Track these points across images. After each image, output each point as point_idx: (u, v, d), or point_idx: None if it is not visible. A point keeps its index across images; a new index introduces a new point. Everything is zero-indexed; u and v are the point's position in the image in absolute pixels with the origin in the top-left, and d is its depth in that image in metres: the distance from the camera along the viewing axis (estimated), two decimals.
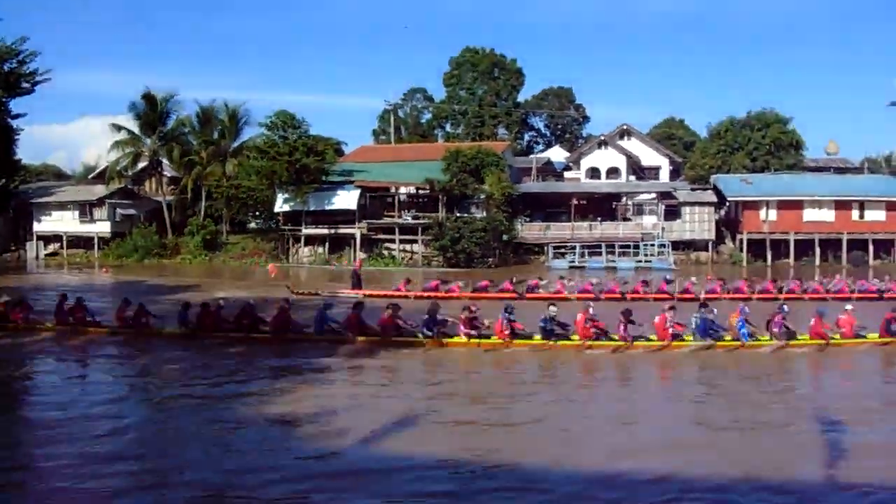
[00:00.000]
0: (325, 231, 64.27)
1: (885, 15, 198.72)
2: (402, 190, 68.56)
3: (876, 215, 65.22)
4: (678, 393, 20.65)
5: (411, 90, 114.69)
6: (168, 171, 74.93)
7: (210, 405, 18.45)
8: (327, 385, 20.75)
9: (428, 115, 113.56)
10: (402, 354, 24.32)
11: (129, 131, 71.07)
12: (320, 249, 64.72)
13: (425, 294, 37.59)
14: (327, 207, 63.85)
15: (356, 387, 20.74)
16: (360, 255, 57.53)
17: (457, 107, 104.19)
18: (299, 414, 17.32)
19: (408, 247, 64.16)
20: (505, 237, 62.77)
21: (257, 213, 68.92)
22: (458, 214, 62.55)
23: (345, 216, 63.69)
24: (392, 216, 65.47)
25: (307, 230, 64.76)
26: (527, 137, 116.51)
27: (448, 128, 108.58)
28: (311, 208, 63.97)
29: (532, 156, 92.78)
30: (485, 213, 62.56)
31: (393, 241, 64.03)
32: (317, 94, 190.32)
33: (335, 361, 23.39)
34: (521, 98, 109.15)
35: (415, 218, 64.35)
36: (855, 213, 65.44)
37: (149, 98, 69.69)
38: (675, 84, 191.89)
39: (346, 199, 63.70)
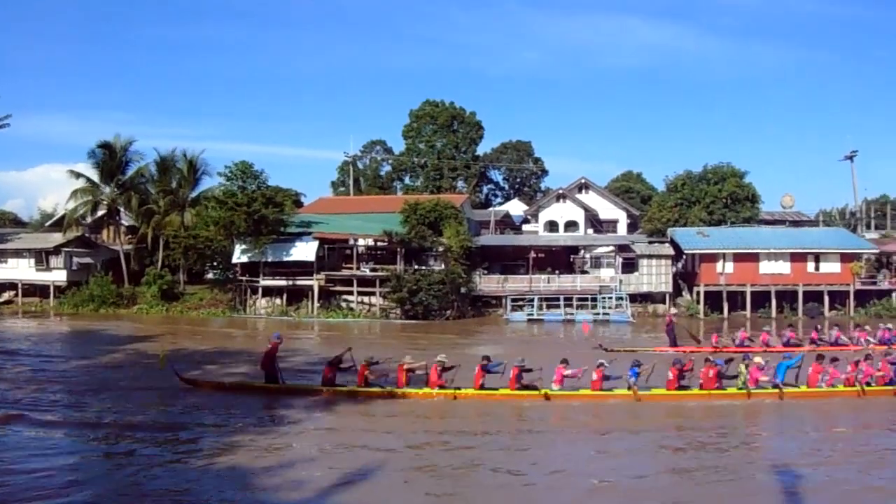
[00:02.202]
0: (283, 282, 64.20)
1: (839, 72, 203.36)
2: (361, 242, 68.67)
3: (831, 267, 66.47)
4: None
5: (371, 142, 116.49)
6: (126, 220, 74.92)
7: None
8: None
9: (387, 168, 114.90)
10: None
11: (88, 179, 71.06)
12: (278, 301, 64.58)
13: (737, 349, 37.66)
14: (285, 258, 63.77)
15: None
16: (673, 310, 55.44)
17: (416, 159, 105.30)
18: None
19: (366, 299, 64.04)
20: (463, 290, 63.21)
21: (215, 264, 68.62)
22: (416, 267, 63.00)
23: (303, 267, 63.60)
24: (350, 268, 65.52)
25: (265, 281, 64.56)
26: (486, 190, 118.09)
27: (407, 180, 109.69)
28: (269, 259, 63.90)
29: (491, 209, 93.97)
30: (443, 266, 62.85)
31: (351, 293, 63.85)
32: (276, 145, 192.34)
33: None
34: (480, 151, 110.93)
35: (373, 270, 64.43)
36: (810, 265, 66.59)
37: (107, 146, 69.62)
38: (634, 138, 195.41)
39: (305, 251, 63.70)
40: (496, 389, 26.56)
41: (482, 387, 26.72)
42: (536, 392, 26.31)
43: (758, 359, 28.34)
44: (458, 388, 26.64)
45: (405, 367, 27.38)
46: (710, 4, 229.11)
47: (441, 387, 26.54)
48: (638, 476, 18.17)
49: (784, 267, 66.33)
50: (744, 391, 26.87)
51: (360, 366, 27.24)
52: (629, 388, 26.43)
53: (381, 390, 26.79)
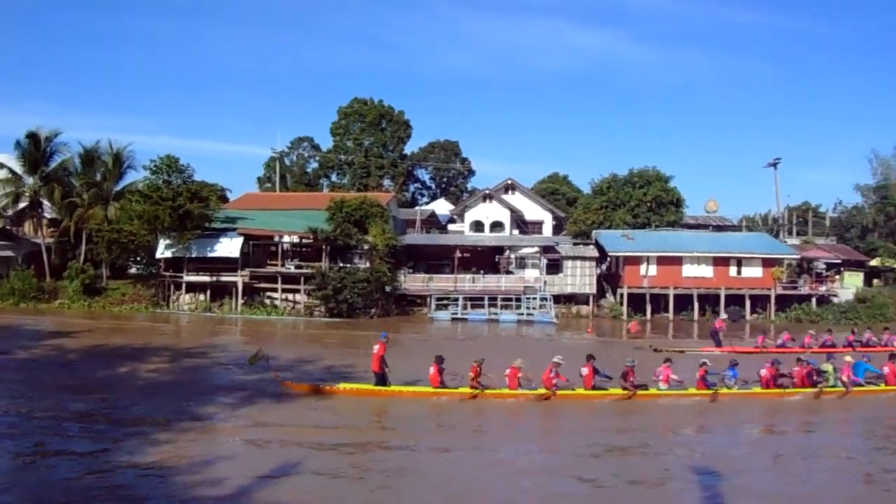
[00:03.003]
0: (207, 278, 63.85)
1: (764, 80, 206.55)
2: (286, 239, 68.99)
3: (753, 272, 68.19)
4: None
5: (298, 139, 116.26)
6: (48, 213, 73.46)
7: None
8: None
9: (314, 164, 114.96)
10: None
11: (11, 170, 69.70)
12: (202, 297, 64.14)
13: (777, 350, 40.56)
14: (210, 254, 63.31)
15: None
16: (723, 315, 55.09)
17: (343, 157, 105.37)
18: None
19: (290, 296, 64.12)
20: (388, 288, 63.60)
21: (138, 259, 67.93)
22: (341, 265, 63.36)
23: (227, 264, 63.34)
24: (275, 265, 65.55)
25: (189, 277, 64.06)
26: (412, 189, 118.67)
27: (334, 177, 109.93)
28: (194, 255, 63.30)
29: (417, 208, 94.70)
30: (368, 264, 63.22)
31: (275, 290, 63.99)
32: (202, 139, 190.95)
33: None
34: (407, 150, 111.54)
35: (298, 267, 64.53)
36: (732, 270, 68.25)
37: (33, 137, 68.71)
38: (561, 140, 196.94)
39: (229, 247, 63.42)
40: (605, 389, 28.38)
41: (593, 387, 28.35)
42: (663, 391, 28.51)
43: (847, 357, 31.26)
44: (569, 389, 27.96)
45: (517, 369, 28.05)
46: (640, 10, 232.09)
47: (550, 388, 27.39)
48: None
49: (707, 271, 67.81)
50: (839, 388, 29.58)
51: (472, 366, 27.58)
52: (727, 388, 28.70)
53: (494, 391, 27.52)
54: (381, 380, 27.62)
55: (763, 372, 29.53)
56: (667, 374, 28.59)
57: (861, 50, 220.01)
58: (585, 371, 28.11)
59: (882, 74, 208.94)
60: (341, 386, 28.07)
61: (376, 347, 28.01)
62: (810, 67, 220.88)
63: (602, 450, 20.98)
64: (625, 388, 27.78)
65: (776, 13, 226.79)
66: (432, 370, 27.67)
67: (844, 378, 29.61)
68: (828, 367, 29.88)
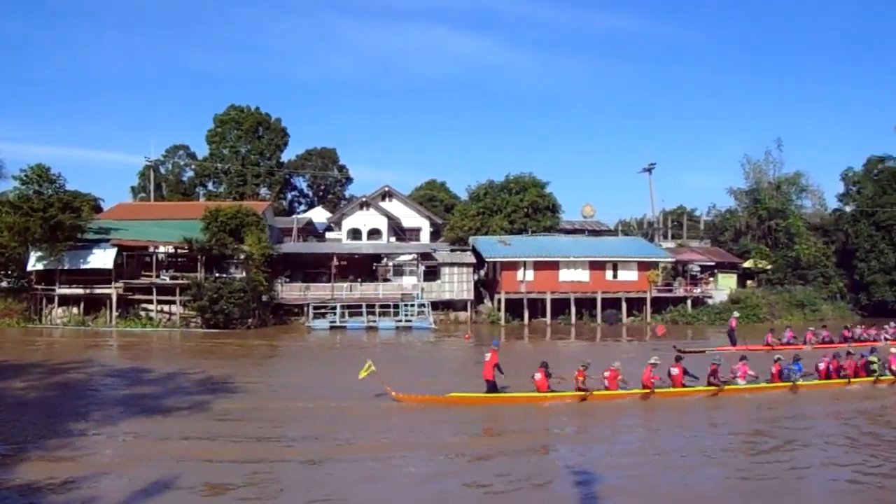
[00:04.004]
0: (81, 291, 62.93)
1: (639, 86, 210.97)
2: (161, 249, 68.61)
3: (628, 275, 70.25)
4: None
5: (173, 147, 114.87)
6: None
7: None
8: None
9: (190, 173, 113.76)
10: None
11: None
12: (75, 310, 63.17)
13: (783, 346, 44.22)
14: (83, 266, 62.37)
15: None
16: (735, 314, 54.57)
17: (219, 165, 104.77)
18: None
19: (166, 308, 63.74)
20: (265, 298, 63.67)
21: (9, 272, 66.68)
22: (217, 275, 63.25)
23: (101, 275, 62.50)
24: (150, 276, 64.83)
25: (61, 290, 62.95)
26: (289, 197, 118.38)
27: (210, 186, 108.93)
28: (66, 267, 62.25)
29: (294, 216, 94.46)
30: (244, 274, 63.17)
31: (150, 301, 63.48)
32: (74, 147, 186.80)
33: None
34: (284, 158, 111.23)
35: (173, 278, 64.07)
36: (609, 273, 70.15)
37: None
38: (439, 147, 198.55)
39: (103, 258, 62.55)
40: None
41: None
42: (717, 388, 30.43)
43: (893, 349, 35.09)
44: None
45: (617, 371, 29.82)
46: (515, 17, 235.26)
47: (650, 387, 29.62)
48: None
49: (583, 275, 69.38)
50: (889, 377, 33.54)
51: (578, 370, 29.18)
52: (792, 381, 31.64)
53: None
54: (493, 387, 28.41)
55: (821, 365, 33.13)
56: (744, 370, 31.38)
57: (734, 56, 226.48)
58: (675, 371, 30.27)
59: (754, 80, 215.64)
60: (453, 395, 28.47)
61: (489, 355, 28.95)
62: (684, 74, 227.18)
63: (743, 439, 23.90)
64: (713, 384, 30.37)
65: (650, 20, 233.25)
66: (539, 375, 28.62)
67: (895, 367, 33.80)
68: (874, 358, 33.79)
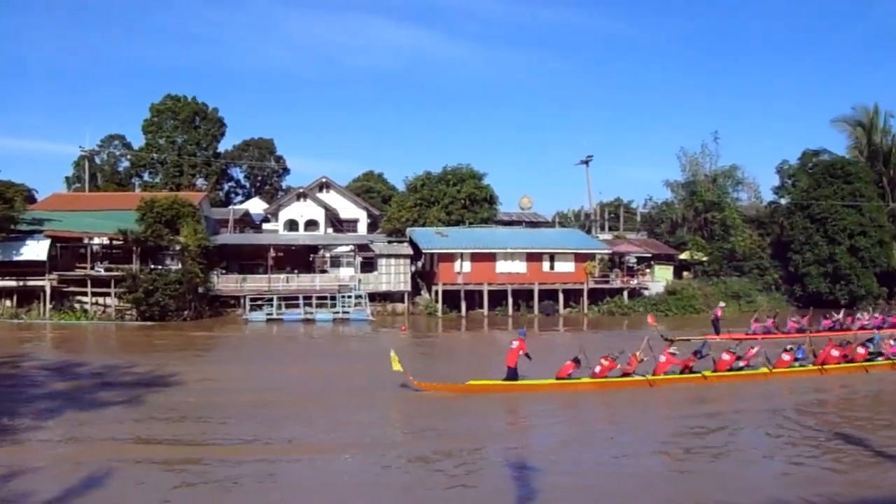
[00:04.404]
0: (13, 283, 62.19)
1: (577, 79, 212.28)
2: (96, 241, 67.73)
3: (565, 267, 71.03)
4: None
5: (109, 136, 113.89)
6: None
7: None
8: None
9: (126, 163, 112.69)
10: None
11: None
12: (8, 303, 62.58)
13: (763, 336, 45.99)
14: (15, 258, 61.63)
15: None
16: (721, 304, 56.81)
17: (156, 155, 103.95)
18: None
19: (101, 300, 63.33)
20: (201, 290, 63.55)
21: None
22: (152, 266, 62.64)
23: (34, 267, 61.71)
24: (84, 268, 64.17)
25: None
26: (226, 188, 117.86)
27: (146, 177, 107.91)
28: None
29: (231, 207, 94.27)
30: (180, 266, 62.61)
31: (85, 293, 62.96)
32: (5, 137, 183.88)
33: None
34: (221, 148, 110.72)
35: (108, 270, 63.49)
36: (546, 265, 70.91)
37: None
38: (377, 138, 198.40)
39: (36, 250, 61.78)
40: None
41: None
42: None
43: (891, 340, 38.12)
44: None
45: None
46: (455, 9, 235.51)
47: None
48: None
49: (520, 266, 70.07)
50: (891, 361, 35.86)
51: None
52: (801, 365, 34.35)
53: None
54: (513, 375, 29.30)
55: (835, 353, 34.81)
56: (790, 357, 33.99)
57: (671, 49, 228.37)
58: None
59: (691, 74, 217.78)
60: (473, 382, 29.57)
61: (515, 343, 30.04)
62: (622, 67, 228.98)
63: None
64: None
65: (589, 14, 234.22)
66: (569, 362, 30.21)
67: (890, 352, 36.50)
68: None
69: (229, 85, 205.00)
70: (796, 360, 34.10)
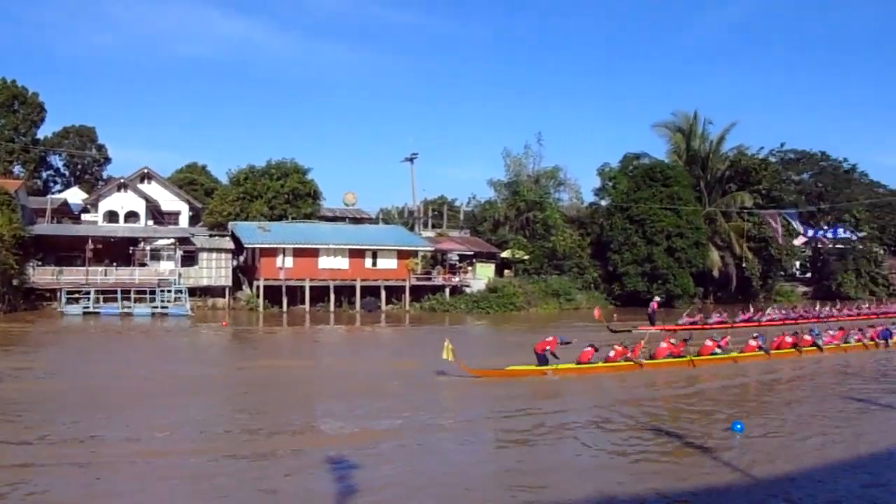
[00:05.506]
0: None
1: (404, 77, 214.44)
2: None
3: (388, 263, 72.52)
4: None
5: None
6: None
7: None
8: None
9: None
10: None
11: None
12: None
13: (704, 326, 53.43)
14: None
15: None
16: (657, 298, 62.18)
17: None
18: None
19: None
20: (15, 282, 62.41)
21: None
22: None
23: None
24: None
25: None
26: (45, 176, 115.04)
27: None
28: None
29: (49, 196, 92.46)
30: None
31: None
32: None
33: None
34: (41, 134, 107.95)
35: None
36: (368, 261, 72.27)
37: None
38: (201, 130, 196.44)
39: None
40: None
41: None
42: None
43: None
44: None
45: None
46: (288, 2, 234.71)
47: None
48: None
49: (343, 263, 71.16)
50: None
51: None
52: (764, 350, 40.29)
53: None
54: (543, 360, 32.73)
55: (808, 338, 43.01)
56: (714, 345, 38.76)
57: (498, 50, 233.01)
58: (612, 353, 35.27)
59: (518, 76, 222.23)
60: (512, 367, 32.86)
61: (550, 338, 34.02)
62: (449, 65, 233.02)
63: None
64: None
65: (419, 13, 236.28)
66: (588, 348, 34.56)
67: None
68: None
69: (50, 69, 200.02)
70: (760, 347, 39.81)
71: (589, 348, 34.41)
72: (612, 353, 34.90)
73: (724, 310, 62.82)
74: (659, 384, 32.99)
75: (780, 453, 20.83)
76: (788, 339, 42.02)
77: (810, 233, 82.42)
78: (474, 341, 47.19)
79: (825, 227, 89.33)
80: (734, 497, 17.23)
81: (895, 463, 20.61)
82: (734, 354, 38.97)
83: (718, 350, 38.36)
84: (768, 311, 63.40)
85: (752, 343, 40.00)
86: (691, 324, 53.94)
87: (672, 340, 37.85)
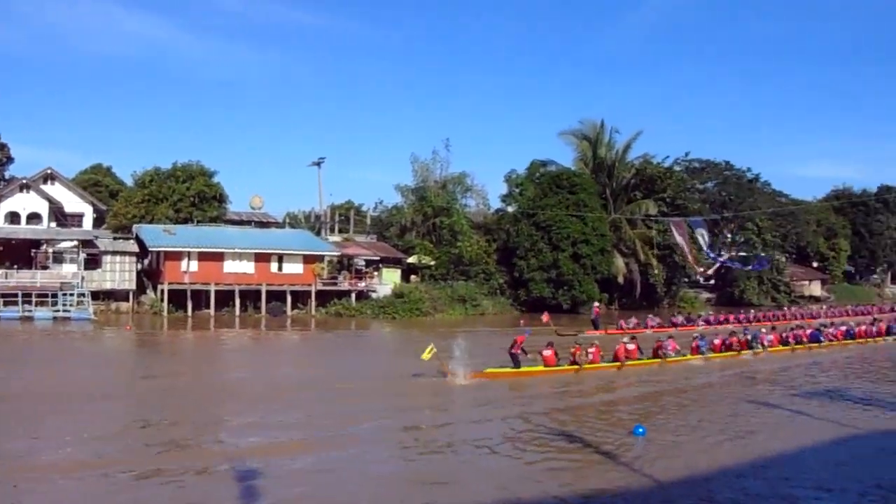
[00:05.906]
0: None
1: (313, 82, 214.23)
2: None
3: (294, 268, 72.69)
4: None
5: None
6: None
7: None
8: None
9: None
10: None
11: None
12: None
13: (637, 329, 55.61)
14: None
15: None
16: (596, 303, 66.49)
17: None
18: None
19: None
20: None
21: None
22: None
23: None
24: None
25: None
26: None
27: None
28: None
29: None
30: None
31: None
32: None
33: None
34: None
35: None
36: (274, 266, 72.35)
37: None
38: (107, 130, 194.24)
39: None
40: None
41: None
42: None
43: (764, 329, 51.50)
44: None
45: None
46: (200, 2, 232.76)
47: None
48: None
49: (248, 266, 71.18)
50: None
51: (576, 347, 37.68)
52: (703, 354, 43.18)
53: None
54: (517, 362, 34.96)
55: (716, 341, 45.35)
56: (673, 346, 41.60)
57: (409, 56, 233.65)
58: (548, 353, 36.62)
59: (427, 81, 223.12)
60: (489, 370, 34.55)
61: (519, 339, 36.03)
62: (356, 68, 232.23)
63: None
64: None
65: (327, 14, 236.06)
66: (549, 352, 36.38)
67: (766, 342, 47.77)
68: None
69: None
70: (699, 349, 42.66)
71: (549, 350, 36.47)
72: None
73: (631, 316, 63.72)
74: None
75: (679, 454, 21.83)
76: (716, 341, 45.26)
77: (717, 259, 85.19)
78: (382, 346, 47.50)
79: (728, 236, 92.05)
80: (632, 499, 17.78)
81: (786, 461, 21.51)
82: (707, 355, 42.92)
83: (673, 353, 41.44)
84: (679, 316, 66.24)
85: (694, 344, 42.94)
86: (633, 327, 56.70)
87: (626, 339, 40.64)
